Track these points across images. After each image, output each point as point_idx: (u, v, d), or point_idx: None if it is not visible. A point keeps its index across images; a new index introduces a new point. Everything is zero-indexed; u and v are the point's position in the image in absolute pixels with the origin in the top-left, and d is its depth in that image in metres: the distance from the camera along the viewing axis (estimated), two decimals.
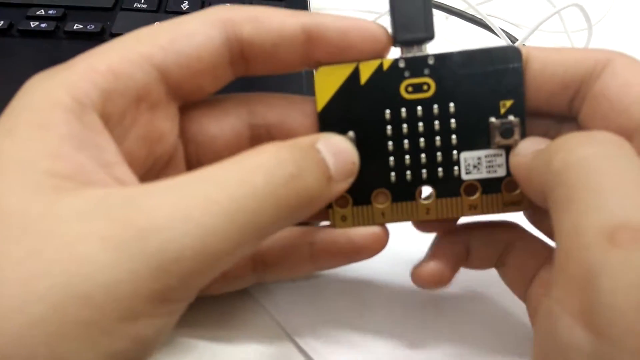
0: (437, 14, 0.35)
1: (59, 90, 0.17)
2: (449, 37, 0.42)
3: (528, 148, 0.20)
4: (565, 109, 0.21)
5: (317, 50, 0.20)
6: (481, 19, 0.39)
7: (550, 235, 0.22)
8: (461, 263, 0.23)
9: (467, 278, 0.24)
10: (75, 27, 0.34)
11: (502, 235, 0.22)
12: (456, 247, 0.22)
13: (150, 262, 0.14)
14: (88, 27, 0.34)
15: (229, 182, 0.16)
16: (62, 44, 0.33)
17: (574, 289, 0.14)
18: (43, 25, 0.33)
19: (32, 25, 0.33)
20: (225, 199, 0.15)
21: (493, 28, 0.38)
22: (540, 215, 0.22)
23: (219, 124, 0.21)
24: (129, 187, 0.16)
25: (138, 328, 0.14)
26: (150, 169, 0.20)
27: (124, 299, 0.14)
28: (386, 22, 0.21)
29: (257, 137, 0.22)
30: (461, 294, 0.25)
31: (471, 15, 0.40)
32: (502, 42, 0.38)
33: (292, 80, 0.32)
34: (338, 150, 0.20)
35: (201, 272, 0.15)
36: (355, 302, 0.25)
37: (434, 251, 0.23)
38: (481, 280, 0.25)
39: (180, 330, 0.23)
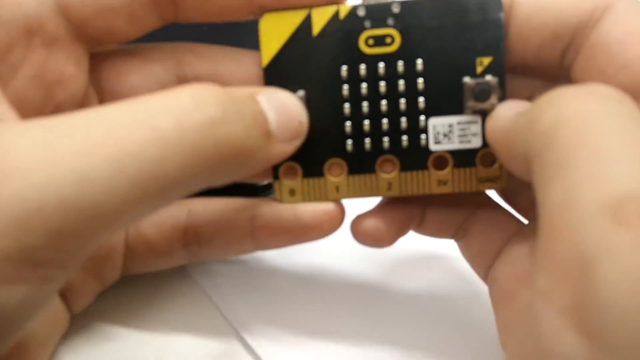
0: None
1: None
2: None
3: (507, 111, 0.17)
4: (556, 64, 0.18)
5: None
6: None
7: (526, 214, 0.19)
8: (411, 226, 0.19)
9: (433, 276, 0.22)
10: None
11: (463, 201, 0.19)
12: (408, 207, 0.19)
13: (4, 213, 0.11)
14: None
15: (124, 123, 0.13)
16: None
17: (564, 279, 0.11)
18: None
19: None
20: (114, 143, 0.13)
21: None
22: (515, 189, 0.19)
23: (140, 74, 0.19)
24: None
25: None
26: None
27: None
28: None
29: None
30: (426, 292, 0.22)
31: None
32: None
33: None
34: (283, 106, 0.17)
35: (76, 230, 0.12)
36: (308, 292, 0.22)
37: (381, 205, 0.19)
38: (450, 278, 0.22)
39: (98, 315, 0.20)
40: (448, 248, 0.20)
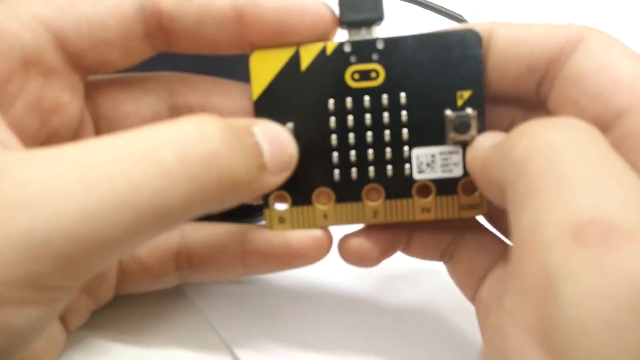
0: (410, 8, 0.32)
1: None
2: (403, 24, 0.40)
3: (486, 142, 0.18)
4: (532, 95, 0.18)
5: (251, 32, 0.18)
6: (458, 14, 0.37)
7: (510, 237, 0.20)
8: (398, 247, 0.20)
9: (424, 291, 0.22)
10: None
11: (449, 224, 0.20)
12: (395, 229, 0.20)
13: (16, 241, 0.12)
14: None
15: (129, 155, 0.14)
16: None
17: (529, 297, 0.12)
18: None
19: None
20: (120, 175, 0.13)
21: (455, 15, 0.36)
22: (499, 214, 0.20)
23: (135, 102, 0.19)
24: (6, 152, 0.14)
25: (3, 316, 0.12)
26: (47, 144, 0.18)
27: None
28: (334, 2, 0.19)
29: None
30: (415, 308, 0.23)
31: (448, 10, 0.38)
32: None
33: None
34: (275, 139, 0.17)
35: (82, 259, 0.13)
36: (301, 311, 0.23)
37: (368, 227, 0.20)
38: (441, 294, 0.23)
39: (94, 332, 0.21)
40: (439, 264, 0.21)
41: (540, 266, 0.12)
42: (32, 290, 0.13)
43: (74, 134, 0.19)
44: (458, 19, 0.38)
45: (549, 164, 0.13)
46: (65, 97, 0.18)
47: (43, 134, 0.18)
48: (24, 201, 0.12)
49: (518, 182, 0.14)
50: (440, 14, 0.38)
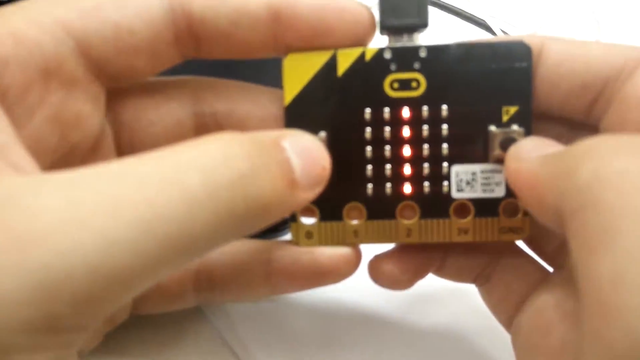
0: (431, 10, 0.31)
1: None
2: (443, 35, 0.39)
3: (532, 150, 0.16)
4: (581, 113, 0.17)
5: (287, 33, 0.17)
6: (481, 19, 0.36)
7: (551, 262, 0.19)
8: (430, 269, 0.19)
9: (451, 312, 0.21)
10: None
11: (485, 246, 0.19)
12: (427, 251, 0.19)
13: (28, 280, 0.11)
14: None
15: (152, 180, 0.12)
16: None
17: None
18: None
19: None
20: (143, 202, 0.12)
21: (492, 28, 0.35)
22: (541, 235, 0.18)
23: (158, 110, 0.18)
24: (18, 177, 0.13)
25: None
26: (65, 158, 0.17)
27: None
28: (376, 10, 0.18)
29: (204, 128, 0.18)
30: (443, 330, 0.22)
31: (470, 14, 0.37)
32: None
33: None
34: (307, 151, 0.16)
35: (103, 296, 0.12)
36: (324, 334, 0.21)
37: (400, 247, 0.19)
38: (467, 314, 0.22)
39: (108, 353, 0.20)
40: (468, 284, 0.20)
41: (629, 333, 0.11)
42: (45, 335, 0.11)
43: (92, 146, 0.17)
44: (480, 23, 0.37)
45: (626, 199, 0.12)
46: (87, 109, 0.17)
47: (62, 149, 0.16)
48: (37, 233, 0.11)
49: (587, 216, 0.12)
50: (462, 18, 0.37)
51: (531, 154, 0.16)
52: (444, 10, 0.38)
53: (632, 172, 0.12)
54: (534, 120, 0.18)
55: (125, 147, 0.18)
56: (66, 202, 0.11)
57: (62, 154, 0.16)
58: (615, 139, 0.13)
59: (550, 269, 0.19)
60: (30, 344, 0.11)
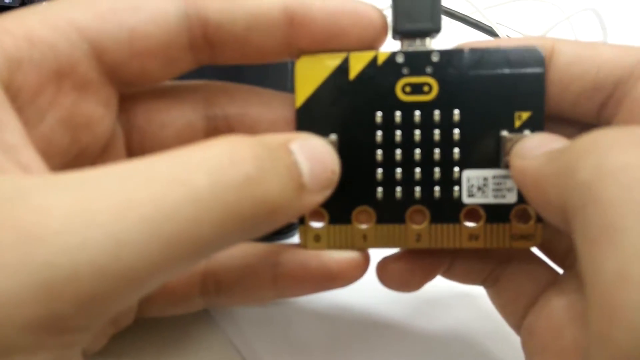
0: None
1: None
2: (449, 42, 0.39)
3: (537, 147, 0.16)
4: (592, 115, 0.17)
5: (301, 36, 0.17)
6: (488, 25, 0.36)
7: (561, 263, 0.19)
8: (439, 271, 0.19)
9: (458, 315, 0.21)
10: None
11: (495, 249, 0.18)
12: (436, 252, 0.18)
13: (33, 279, 0.11)
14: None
15: (160, 180, 0.12)
16: None
17: None
18: None
19: None
20: (150, 202, 0.12)
21: (499, 35, 0.35)
22: (550, 237, 0.18)
23: (170, 113, 0.18)
24: (26, 177, 0.13)
25: None
26: (76, 160, 0.17)
27: None
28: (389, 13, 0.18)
29: (215, 131, 0.18)
30: (450, 333, 0.22)
31: (476, 20, 0.37)
32: None
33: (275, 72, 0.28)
34: (316, 155, 0.16)
35: (109, 296, 0.11)
36: (331, 338, 0.21)
37: (408, 249, 0.19)
38: (475, 316, 0.22)
39: (113, 356, 0.20)
40: (475, 286, 0.19)
41: (634, 332, 0.10)
42: (48, 335, 0.11)
43: (103, 149, 0.17)
44: (486, 29, 0.37)
45: (629, 194, 0.11)
46: (99, 112, 0.17)
47: (73, 151, 0.16)
48: (43, 232, 0.11)
49: (590, 212, 0.12)
50: (469, 25, 0.37)
51: (536, 151, 0.16)
52: (451, 17, 0.38)
53: (633, 166, 0.12)
54: (546, 122, 0.18)
55: (136, 149, 0.18)
56: (73, 201, 0.11)
57: (72, 156, 0.16)
58: (616, 132, 0.13)
59: (560, 270, 0.18)
60: (32, 343, 0.11)
